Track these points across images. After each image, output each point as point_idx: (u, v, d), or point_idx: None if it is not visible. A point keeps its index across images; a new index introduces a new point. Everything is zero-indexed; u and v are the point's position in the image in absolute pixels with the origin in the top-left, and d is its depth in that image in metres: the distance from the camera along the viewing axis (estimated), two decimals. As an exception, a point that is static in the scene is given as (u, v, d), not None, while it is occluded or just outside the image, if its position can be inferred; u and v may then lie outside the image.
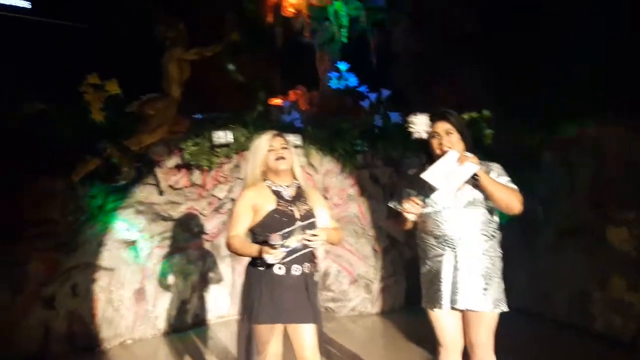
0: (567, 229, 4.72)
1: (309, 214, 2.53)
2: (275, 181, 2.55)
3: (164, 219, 4.96)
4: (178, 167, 5.15)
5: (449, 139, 2.56)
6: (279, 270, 2.44)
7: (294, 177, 2.61)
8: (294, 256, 2.38)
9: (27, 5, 6.27)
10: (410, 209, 2.47)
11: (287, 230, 2.36)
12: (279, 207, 2.47)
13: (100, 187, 4.82)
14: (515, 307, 3.61)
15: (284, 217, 2.45)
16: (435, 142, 2.59)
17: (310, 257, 2.56)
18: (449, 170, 2.43)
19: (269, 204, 2.47)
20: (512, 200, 2.52)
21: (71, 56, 5.98)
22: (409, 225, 2.66)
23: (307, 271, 2.52)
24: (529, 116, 5.33)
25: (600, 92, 4.59)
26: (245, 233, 2.52)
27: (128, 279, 4.63)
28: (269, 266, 2.43)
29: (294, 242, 2.36)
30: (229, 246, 2.51)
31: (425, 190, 2.57)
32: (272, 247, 2.28)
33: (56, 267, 4.33)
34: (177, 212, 5.03)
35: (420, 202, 2.50)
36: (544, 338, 4.46)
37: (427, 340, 2.75)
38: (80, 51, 6.08)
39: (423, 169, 2.64)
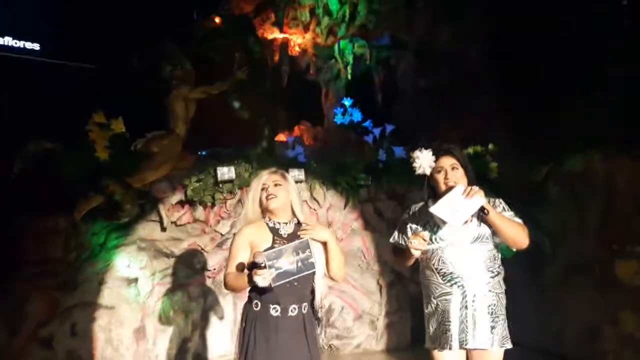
0: (575, 264, 4.62)
1: None
2: (272, 218, 2.50)
3: (166, 255, 4.93)
4: (181, 204, 5.17)
5: (454, 174, 2.55)
6: (275, 311, 2.38)
7: (294, 214, 2.57)
8: (287, 280, 2.27)
9: (37, 47, 6.48)
10: (417, 245, 2.43)
11: (276, 249, 2.27)
12: (275, 245, 2.41)
13: (103, 225, 4.84)
14: (523, 344, 3.51)
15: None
16: (439, 177, 2.57)
17: (308, 296, 2.48)
18: (457, 204, 2.40)
19: (265, 242, 2.43)
20: (519, 235, 2.48)
21: (77, 95, 6.12)
22: (412, 262, 2.60)
23: (304, 311, 2.44)
24: (534, 149, 5.29)
25: (608, 124, 4.55)
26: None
27: (128, 317, 4.56)
28: (265, 305, 2.37)
29: (285, 263, 2.26)
30: (225, 284, 2.46)
31: (430, 225, 2.55)
32: (259, 267, 2.22)
33: (56, 306, 4.29)
34: (179, 249, 5.01)
35: (427, 238, 2.46)
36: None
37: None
38: (86, 90, 6.22)
39: (426, 204, 2.63)
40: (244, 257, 2.43)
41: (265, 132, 6.57)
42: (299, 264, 2.28)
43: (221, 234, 5.21)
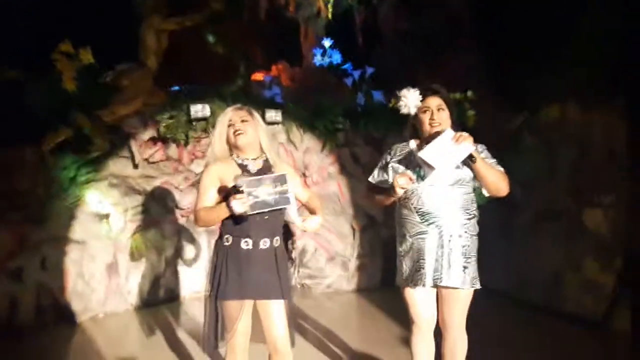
0: (545, 212, 4.73)
1: None
2: (240, 155, 2.47)
3: (138, 192, 4.87)
4: (153, 140, 5.04)
5: (440, 115, 2.54)
6: (246, 245, 2.38)
7: (262, 150, 2.53)
8: (265, 210, 2.27)
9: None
10: (404, 184, 2.44)
11: (256, 178, 2.26)
12: None
13: (72, 159, 4.69)
14: (491, 289, 3.64)
15: None
16: (425, 117, 2.56)
17: (280, 230, 2.50)
18: (445, 149, 2.38)
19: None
20: (501, 183, 2.52)
21: (44, 23, 5.76)
22: (391, 201, 2.62)
23: (276, 245, 2.45)
24: (513, 98, 5.29)
25: (586, 76, 4.54)
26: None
27: (99, 252, 4.55)
28: (236, 239, 2.37)
29: (263, 193, 2.24)
30: (197, 220, 2.43)
31: (413, 165, 2.56)
32: (238, 191, 2.21)
33: (25, 239, 4.22)
34: (152, 186, 4.95)
35: (414, 178, 2.47)
36: (517, 318, 4.50)
37: (401, 317, 2.73)
38: (53, 18, 5.85)
39: (408, 144, 2.64)
40: (213, 193, 2.40)
41: (241, 70, 6.36)
42: (276, 196, 2.27)
43: (195, 173, 5.12)
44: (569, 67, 4.67)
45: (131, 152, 4.92)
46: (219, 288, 2.37)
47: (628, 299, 3.98)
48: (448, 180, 2.50)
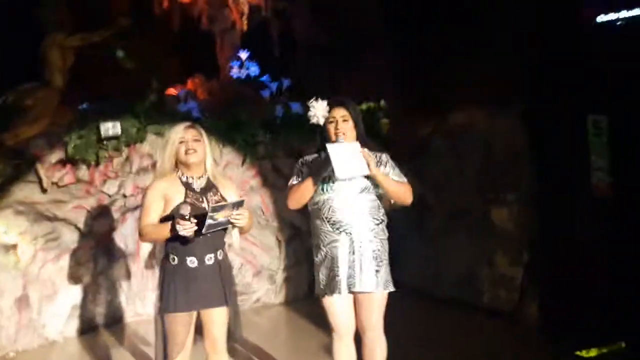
0: (456, 212, 5.01)
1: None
2: (185, 173, 2.56)
3: (49, 219, 4.62)
4: (62, 163, 4.82)
5: (344, 125, 2.68)
6: (192, 263, 2.49)
7: (206, 169, 2.62)
8: (215, 230, 2.40)
9: None
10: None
11: (220, 204, 2.39)
12: (187, 199, 2.48)
13: (-28, 187, 4.38)
14: (408, 289, 3.80)
15: (193, 208, 2.46)
16: (331, 128, 2.69)
17: (223, 243, 2.61)
18: (351, 157, 2.52)
19: (178, 196, 2.50)
20: (404, 194, 2.72)
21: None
22: (310, 191, 2.64)
23: (220, 257, 2.57)
24: (423, 106, 5.55)
25: (488, 84, 4.85)
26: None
27: (8, 286, 4.27)
28: (182, 258, 2.47)
29: (220, 216, 2.37)
30: (142, 236, 2.54)
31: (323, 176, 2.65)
32: (183, 218, 2.31)
33: None
34: (63, 212, 4.71)
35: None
36: (434, 316, 4.71)
37: (326, 326, 2.83)
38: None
39: (319, 155, 2.75)
40: (158, 210, 2.50)
41: (153, 85, 6.21)
42: (230, 218, 2.41)
43: (108, 195, 4.94)
44: (474, 75, 4.97)
45: (38, 176, 4.68)
46: (169, 303, 2.47)
47: (535, 290, 4.30)
48: (355, 189, 2.64)
